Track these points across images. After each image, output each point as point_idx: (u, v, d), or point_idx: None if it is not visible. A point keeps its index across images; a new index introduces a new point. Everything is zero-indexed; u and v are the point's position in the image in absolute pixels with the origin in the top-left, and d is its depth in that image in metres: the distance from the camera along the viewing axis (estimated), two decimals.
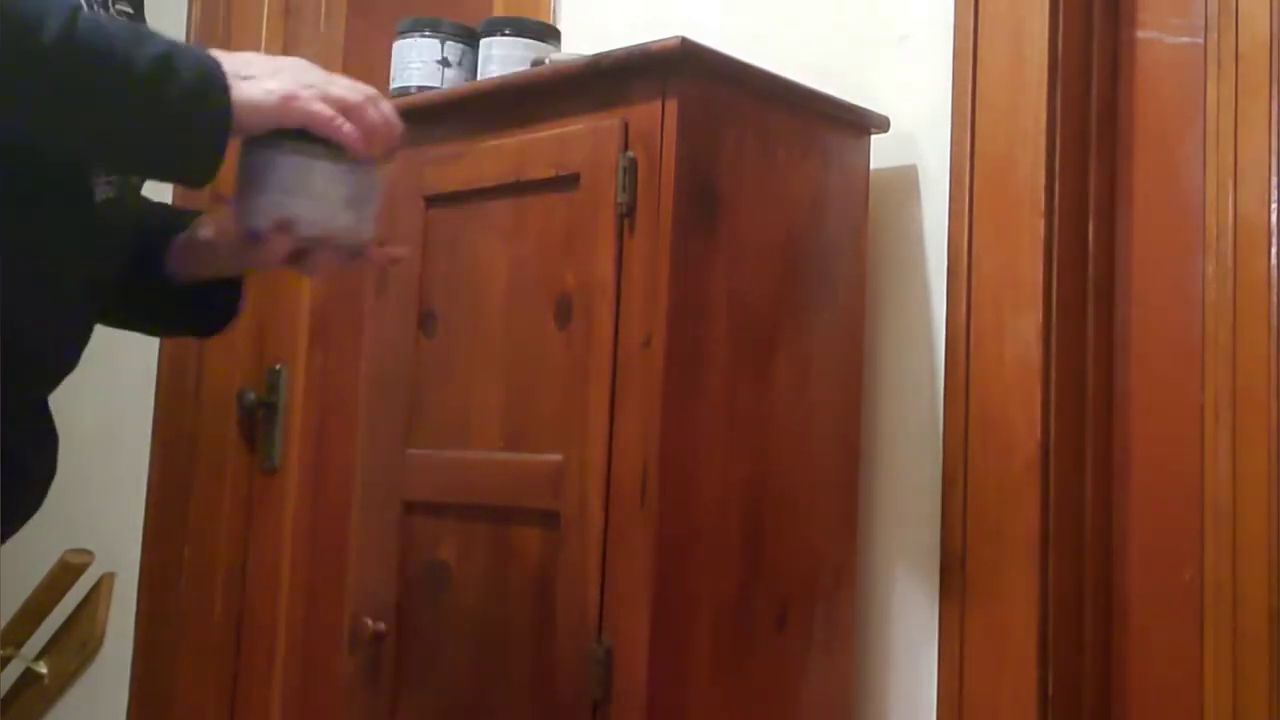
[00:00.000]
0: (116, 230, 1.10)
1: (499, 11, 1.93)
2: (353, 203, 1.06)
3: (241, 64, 1.00)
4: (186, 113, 0.96)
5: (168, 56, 0.95)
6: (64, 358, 1.07)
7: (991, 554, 1.40)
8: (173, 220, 1.22)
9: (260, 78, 1.00)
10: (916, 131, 1.53)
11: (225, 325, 1.25)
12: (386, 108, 1.08)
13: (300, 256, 1.08)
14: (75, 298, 1.06)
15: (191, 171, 0.99)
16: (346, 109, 1.04)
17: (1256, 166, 1.36)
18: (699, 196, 1.29)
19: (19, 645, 2.57)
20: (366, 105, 1.05)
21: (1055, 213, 1.41)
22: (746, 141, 1.35)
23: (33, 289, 1.00)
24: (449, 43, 1.61)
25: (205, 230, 1.19)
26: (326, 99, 1.03)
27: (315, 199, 1.04)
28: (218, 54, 1.00)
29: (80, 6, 0.95)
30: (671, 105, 1.27)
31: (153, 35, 0.97)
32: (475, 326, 1.43)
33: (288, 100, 1.01)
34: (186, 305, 1.22)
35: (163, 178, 1.07)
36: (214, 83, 0.97)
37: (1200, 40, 1.42)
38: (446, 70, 1.61)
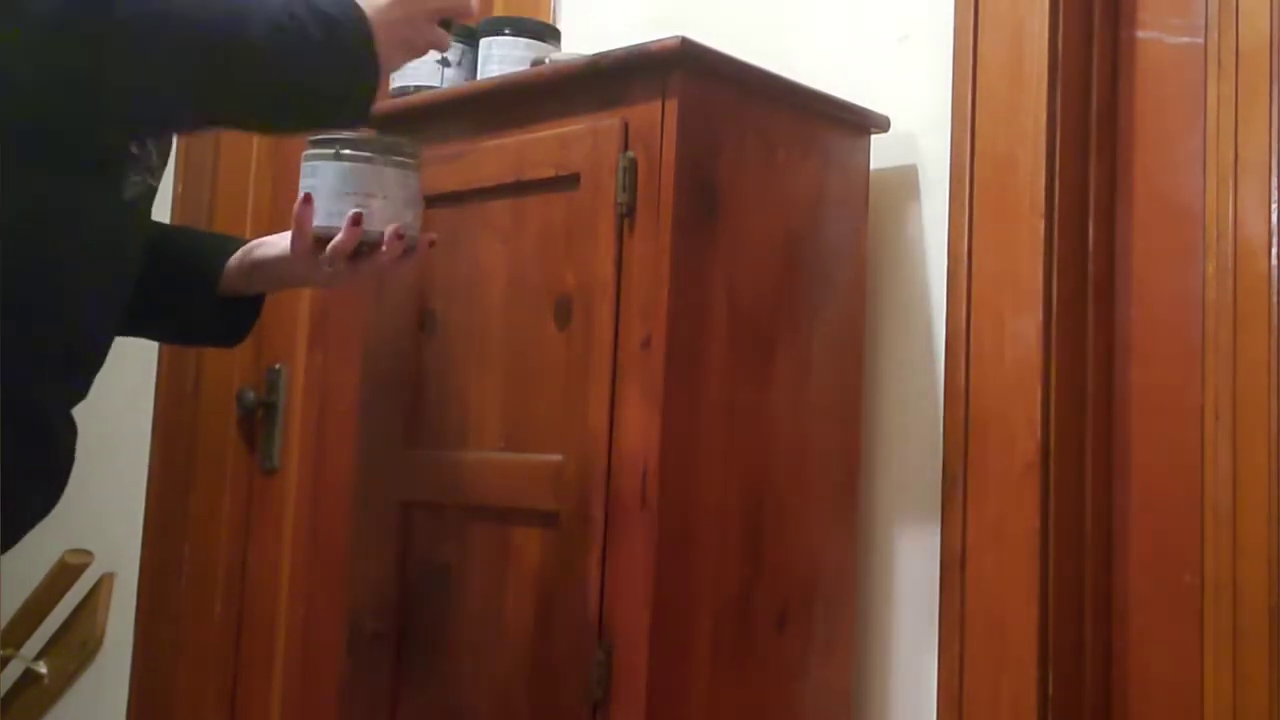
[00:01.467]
0: (141, 228, 1.19)
1: (499, 11, 1.93)
2: (410, 202, 1.22)
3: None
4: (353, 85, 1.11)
5: (335, 45, 1.07)
6: (96, 350, 1.15)
7: (991, 554, 1.40)
8: (222, 244, 1.36)
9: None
10: (916, 131, 1.53)
11: (247, 334, 1.38)
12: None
13: (360, 259, 1.21)
14: (106, 290, 1.14)
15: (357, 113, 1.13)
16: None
17: (1256, 166, 1.36)
18: (699, 196, 1.29)
19: (19, 645, 2.57)
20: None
21: (1055, 213, 1.41)
22: (746, 141, 1.35)
23: (67, 278, 1.08)
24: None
25: (266, 249, 1.31)
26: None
27: (387, 199, 1.20)
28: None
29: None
30: (671, 105, 1.27)
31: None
32: (475, 326, 1.43)
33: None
34: (224, 319, 1.35)
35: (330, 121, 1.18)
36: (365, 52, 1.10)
37: (1200, 40, 1.42)
38: (446, 70, 1.61)
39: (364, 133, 1.20)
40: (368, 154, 1.19)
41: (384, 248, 1.19)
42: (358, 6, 1.09)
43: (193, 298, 1.33)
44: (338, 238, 1.18)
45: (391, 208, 1.19)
